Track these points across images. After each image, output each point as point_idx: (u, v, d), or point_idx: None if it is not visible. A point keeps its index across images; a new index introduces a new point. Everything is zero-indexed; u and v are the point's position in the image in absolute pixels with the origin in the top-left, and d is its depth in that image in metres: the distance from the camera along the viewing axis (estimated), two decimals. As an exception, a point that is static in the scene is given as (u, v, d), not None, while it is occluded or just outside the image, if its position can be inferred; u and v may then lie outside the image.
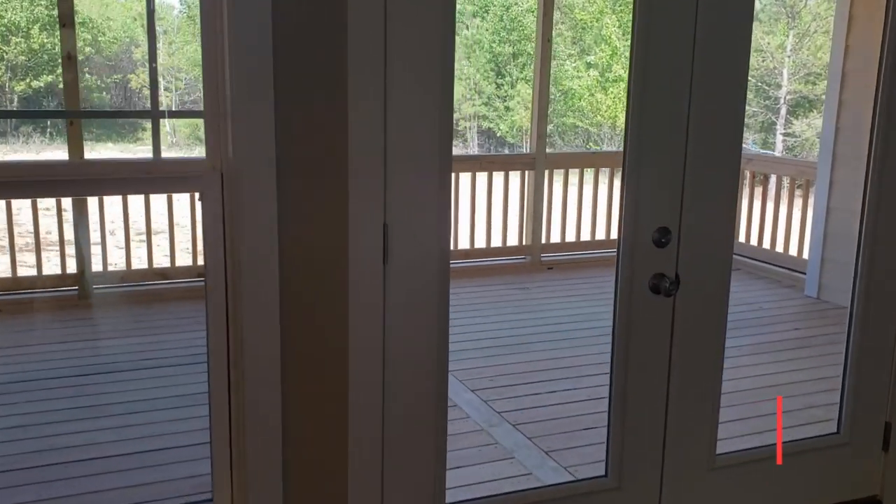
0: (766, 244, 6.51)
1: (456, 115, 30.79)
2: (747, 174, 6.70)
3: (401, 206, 2.07)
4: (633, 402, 2.48)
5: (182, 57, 29.34)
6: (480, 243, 6.45)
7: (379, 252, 2.06)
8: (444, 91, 2.05)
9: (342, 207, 1.99)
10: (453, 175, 6.05)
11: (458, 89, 30.18)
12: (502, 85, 28.54)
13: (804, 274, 5.95)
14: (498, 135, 27.09)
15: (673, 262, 2.41)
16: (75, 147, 4.99)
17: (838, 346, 4.89)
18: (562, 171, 6.59)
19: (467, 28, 30.41)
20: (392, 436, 2.16)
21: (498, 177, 6.40)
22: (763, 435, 3.69)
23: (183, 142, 28.06)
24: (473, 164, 6.54)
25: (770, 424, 3.76)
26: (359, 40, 1.92)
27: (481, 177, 6.33)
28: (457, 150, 32.03)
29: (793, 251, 6.33)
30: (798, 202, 6.27)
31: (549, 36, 6.21)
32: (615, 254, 2.42)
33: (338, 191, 1.98)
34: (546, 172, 6.48)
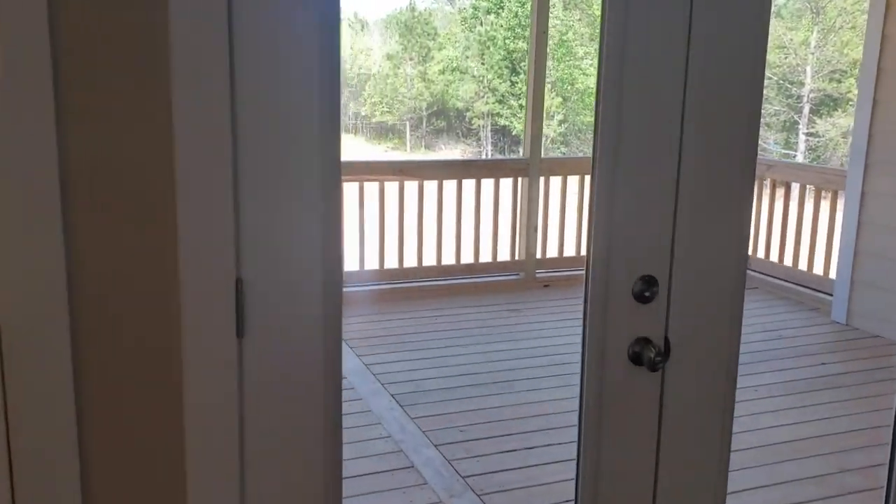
0: (788, 261, 5.83)
1: (469, 114, 30.34)
2: (767, 182, 6.02)
3: (264, 251, 1.44)
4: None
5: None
6: (467, 258, 5.82)
7: (230, 321, 1.42)
8: (325, 78, 1.41)
9: (170, 258, 1.37)
10: (437, 183, 5.45)
11: (471, 87, 29.72)
12: (517, 82, 27.99)
13: (831, 296, 5.27)
14: (513, 133, 26.58)
15: (661, 323, 1.76)
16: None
17: (874, 385, 4.24)
18: (559, 177, 5.92)
19: (481, 24, 29.91)
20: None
21: (487, 184, 5.75)
22: (784, 511, 3.04)
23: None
24: (459, 170, 5.90)
25: (795, 495, 3.10)
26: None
27: (468, 184, 5.68)
28: (469, 150, 31.71)
29: (818, 269, 5.64)
30: (824, 214, 5.58)
31: (544, 28, 5.57)
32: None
33: (162, 233, 1.36)
34: (542, 179, 5.83)
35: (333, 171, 1.47)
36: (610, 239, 1.70)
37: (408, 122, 30.55)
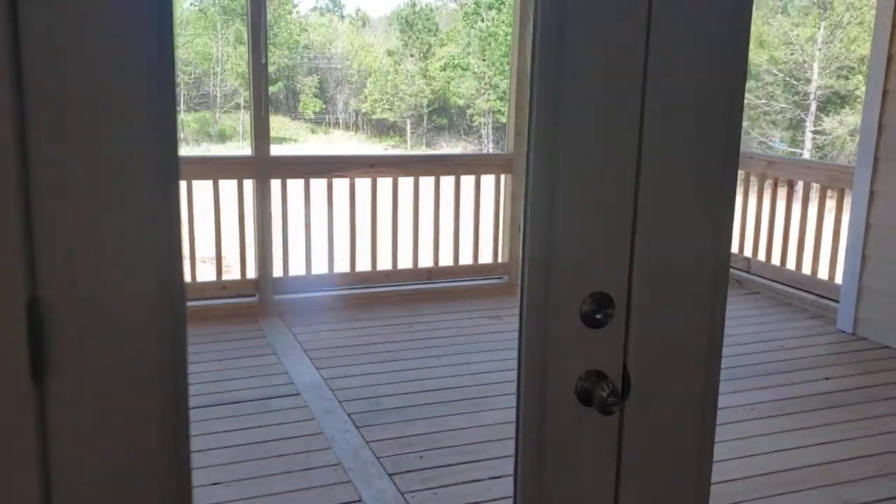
0: (791, 264, 5.45)
1: (470, 111, 29.97)
2: (769, 180, 5.64)
3: (74, 263, 1.07)
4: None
5: (191, 50, 28.78)
6: (446, 261, 5.45)
7: (22, 358, 1.06)
8: (153, 51, 1.05)
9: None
10: (412, 179, 5.07)
11: (472, 84, 29.37)
12: (519, 79, 27.50)
13: (836, 303, 4.89)
14: (515, 131, 26.22)
15: (618, 353, 1.39)
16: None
17: (884, 404, 3.85)
18: (546, 174, 5.52)
19: (482, 20, 29.54)
20: None
21: (467, 180, 5.37)
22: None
23: (191, 137, 27.41)
24: (437, 165, 5.51)
25: (791, 534, 2.73)
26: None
27: (446, 181, 5.31)
28: (471, 147, 31.40)
29: (822, 274, 5.26)
30: (829, 214, 5.20)
31: (528, 14, 5.18)
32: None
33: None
34: (527, 176, 5.43)
35: (169, 165, 1.11)
36: (549, 245, 1.34)
37: (408, 120, 30.21)
